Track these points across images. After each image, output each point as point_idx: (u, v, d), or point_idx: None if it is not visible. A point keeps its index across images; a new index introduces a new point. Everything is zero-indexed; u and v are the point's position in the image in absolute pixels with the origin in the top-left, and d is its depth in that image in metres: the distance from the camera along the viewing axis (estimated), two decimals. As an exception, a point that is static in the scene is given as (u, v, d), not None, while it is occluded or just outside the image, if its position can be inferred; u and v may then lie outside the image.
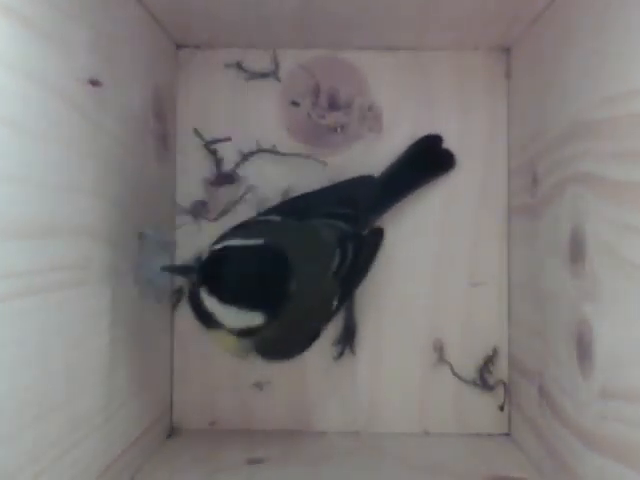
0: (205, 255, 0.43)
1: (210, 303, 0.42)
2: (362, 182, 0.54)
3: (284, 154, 0.56)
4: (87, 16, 0.37)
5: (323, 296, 0.48)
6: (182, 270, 0.47)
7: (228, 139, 0.56)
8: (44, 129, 0.33)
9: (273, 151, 0.56)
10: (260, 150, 0.56)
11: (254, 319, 0.42)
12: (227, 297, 0.41)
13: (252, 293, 0.42)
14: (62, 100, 0.34)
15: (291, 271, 0.43)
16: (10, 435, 0.30)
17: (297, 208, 0.51)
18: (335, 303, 0.49)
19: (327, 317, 0.49)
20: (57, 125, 0.34)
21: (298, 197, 0.54)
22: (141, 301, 0.47)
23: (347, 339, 0.56)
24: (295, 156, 0.56)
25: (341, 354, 0.56)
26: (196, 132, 0.56)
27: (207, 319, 0.43)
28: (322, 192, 0.54)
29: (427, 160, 0.56)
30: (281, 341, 0.45)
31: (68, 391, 0.35)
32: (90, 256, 0.38)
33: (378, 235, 0.55)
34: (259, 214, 0.53)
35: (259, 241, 0.43)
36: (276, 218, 0.50)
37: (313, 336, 0.48)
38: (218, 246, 0.43)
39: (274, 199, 0.55)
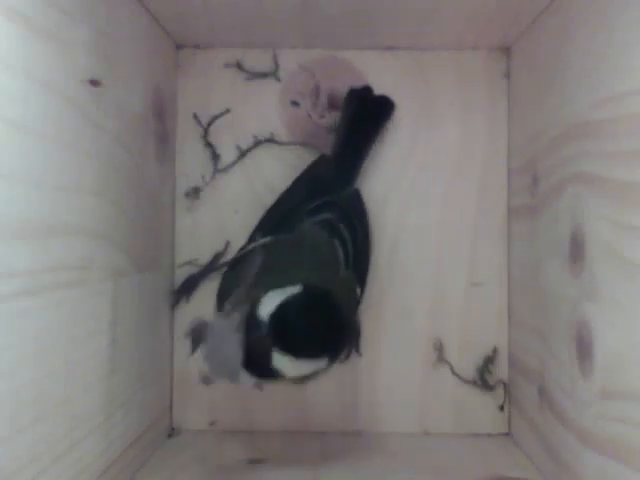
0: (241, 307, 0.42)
1: (279, 361, 0.41)
2: (319, 163, 0.53)
3: (281, 143, 0.56)
4: (87, 16, 0.37)
5: (349, 295, 0.48)
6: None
7: (227, 112, 0.56)
8: (44, 129, 0.33)
9: (271, 140, 0.56)
10: (257, 142, 0.56)
11: (319, 365, 0.42)
12: (299, 353, 0.41)
13: (317, 342, 0.42)
14: (62, 100, 0.34)
15: (339, 305, 0.42)
16: (10, 435, 0.30)
17: (282, 222, 0.50)
18: (358, 290, 0.50)
19: (356, 307, 0.51)
20: (57, 125, 0.34)
21: (274, 207, 0.52)
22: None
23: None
24: (294, 149, 0.56)
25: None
26: (195, 117, 0.56)
27: (268, 374, 0.42)
28: (291, 192, 0.53)
29: (366, 111, 0.55)
30: None
31: (68, 391, 0.35)
32: (90, 256, 0.38)
33: (355, 198, 0.53)
34: (247, 241, 0.50)
35: (296, 287, 0.42)
36: (265, 240, 0.49)
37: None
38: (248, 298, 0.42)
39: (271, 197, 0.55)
